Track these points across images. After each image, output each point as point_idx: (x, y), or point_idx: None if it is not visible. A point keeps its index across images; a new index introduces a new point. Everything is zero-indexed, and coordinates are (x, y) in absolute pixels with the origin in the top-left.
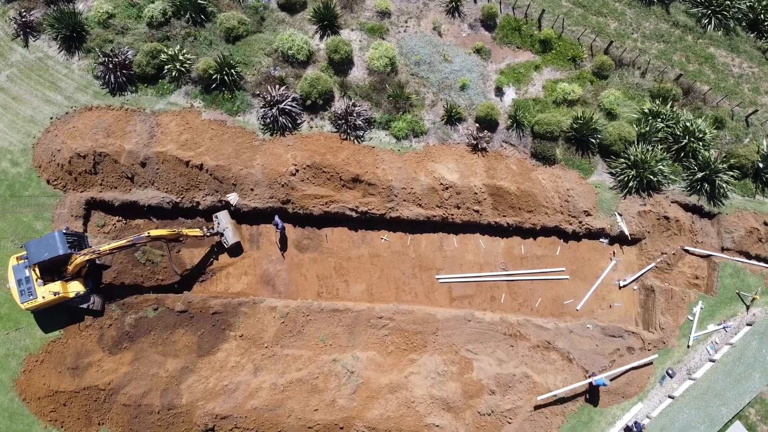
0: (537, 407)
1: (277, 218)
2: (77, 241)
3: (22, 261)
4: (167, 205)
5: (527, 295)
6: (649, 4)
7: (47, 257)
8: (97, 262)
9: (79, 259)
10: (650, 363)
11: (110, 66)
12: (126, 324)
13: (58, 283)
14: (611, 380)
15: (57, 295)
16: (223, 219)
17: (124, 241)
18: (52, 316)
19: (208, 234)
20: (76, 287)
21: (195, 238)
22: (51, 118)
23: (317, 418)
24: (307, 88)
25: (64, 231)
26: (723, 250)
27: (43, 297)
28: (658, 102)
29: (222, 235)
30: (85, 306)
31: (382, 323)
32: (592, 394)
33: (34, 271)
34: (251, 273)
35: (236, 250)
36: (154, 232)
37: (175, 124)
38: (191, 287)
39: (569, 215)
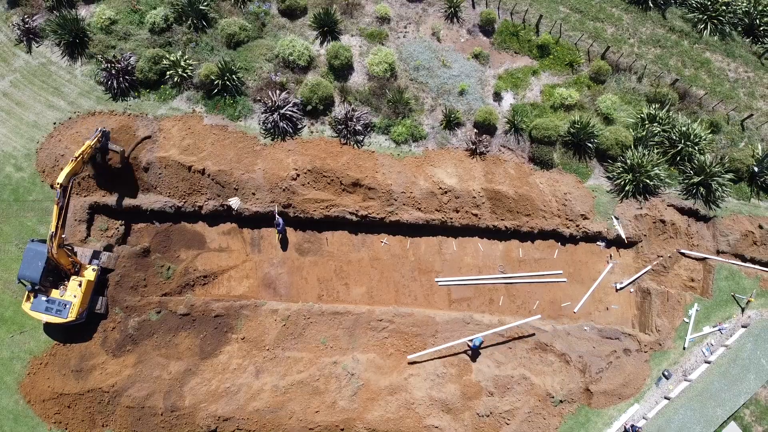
0: (411, 363)
1: (278, 218)
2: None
3: (31, 300)
4: (170, 209)
5: (525, 298)
6: (646, 9)
7: (42, 265)
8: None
9: (54, 249)
10: (533, 334)
11: (113, 72)
12: (129, 327)
13: (72, 278)
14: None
15: (82, 286)
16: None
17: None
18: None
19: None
20: (89, 274)
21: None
22: (54, 124)
23: (318, 419)
24: (308, 94)
25: (32, 240)
26: (718, 253)
27: (75, 296)
28: (654, 106)
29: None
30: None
31: (382, 326)
32: (474, 355)
33: (42, 288)
34: (253, 276)
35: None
36: (62, 176)
37: (177, 129)
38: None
39: (567, 219)
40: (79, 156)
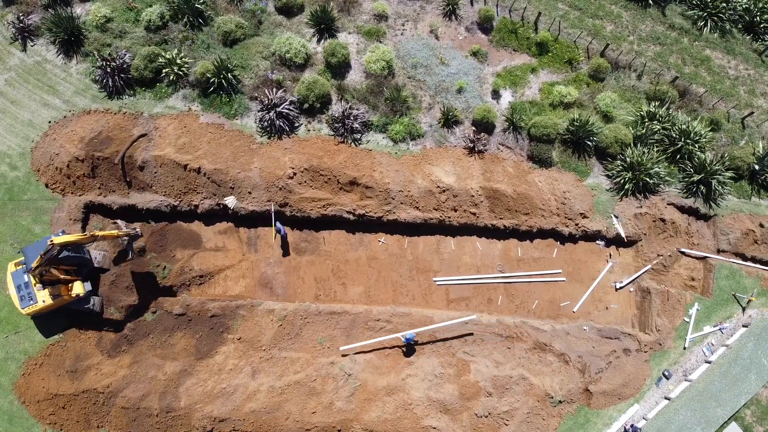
0: (344, 355)
1: (278, 224)
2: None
3: (21, 267)
4: (165, 208)
5: (524, 297)
6: (646, 6)
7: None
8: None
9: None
10: (470, 334)
11: (108, 70)
12: (125, 327)
13: (59, 286)
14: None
15: (50, 301)
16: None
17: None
18: (52, 320)
19: (126, 235)
20: (78, 288)
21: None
22: (49, 122)
23: (315, 420)
24: (305, 92)
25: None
26: (719, 251)
27: (44, 301)
28: (654, 104)
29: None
30: (84, 308)
31: (379, 325)
32: (408, 351)
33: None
34: (249, 276)
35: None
36: (59, 240)
37: (173, 128)
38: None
39: (566, 217)
40: (96, 235)
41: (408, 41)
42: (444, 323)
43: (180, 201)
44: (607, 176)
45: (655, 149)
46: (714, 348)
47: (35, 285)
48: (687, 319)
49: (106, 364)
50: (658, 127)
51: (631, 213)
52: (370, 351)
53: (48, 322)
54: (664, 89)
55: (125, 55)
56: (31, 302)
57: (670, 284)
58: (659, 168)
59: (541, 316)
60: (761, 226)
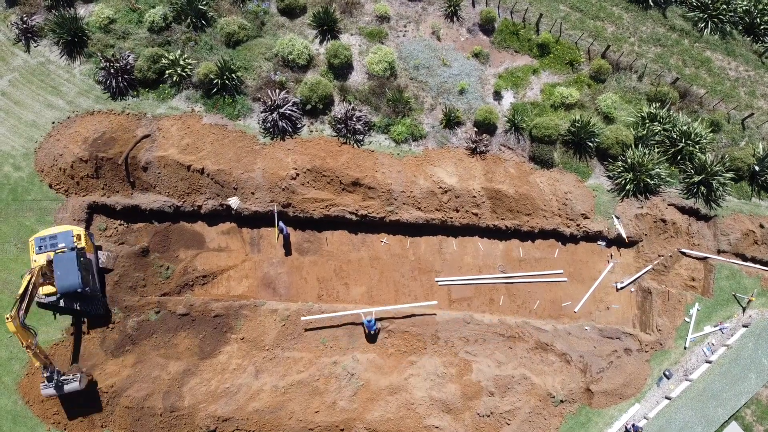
0: (306, 330)
1: (281, 224)
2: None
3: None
4: (168, 209)
5: (526, 298)
6: (646, 8)
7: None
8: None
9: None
10: (433, 314)
11: (111, 71)
12: (128, 327)
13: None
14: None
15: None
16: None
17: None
18: (56, 320)
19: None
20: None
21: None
22: (53, 123)
23: (318, 420)
24: (307, 93)
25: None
26: (719, 252)
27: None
28: (655, 105)
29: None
30: (89, 309)
31: (381, 325)
32: (371, 337)
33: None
34: (252, 276)
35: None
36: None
37: (176, 129)
38: None
39: (567, 218)
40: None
41: (410, 43)
42: (405, 305)
43: (183, 201)
44: (608, 177)
45: (656, 150)
46: (714, 348)
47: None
48: (687, 319)
49: (110, 363)
50: (659, 128)
51: (632, 214)
52: (374, 348)
53: (52, 322)
54: (665, 90)
55: (128, 56)
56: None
57: (670, 284)
58: (660, 169)
59: (542, 316)
60: (761, 226)
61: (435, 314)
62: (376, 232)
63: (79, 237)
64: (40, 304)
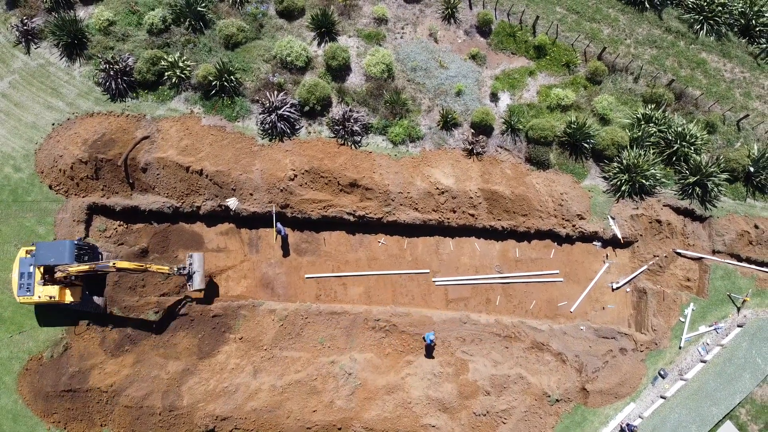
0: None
1: (279, 225)
2: (88, 253)
3: (30, 256)
4: (168, 209)
5: (522, 298)
6: (642, 10)
7: (52, 263)
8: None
9: (58, 273)
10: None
11: (111, 73)
12: (127, 327)
13: (57, 288)
14: None
15: (52, 299)
16: (196, 261)
17: (87, 266)
18: (55, 319)
19: (176, 273)
20: (71, 296)
21: (161, 275)
22: (53, 124)
23: (316, 419)
24: (306, 94)
25: (76, 242)
26: (714, 252)
27: (39, 297)
28: (650, 107)
29: (190, 278)
30: (88, 309)
31: (379, 325)
32: (429, 350)
33: (39, 270)
34: (250, 276)
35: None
36: (120, 264)
37: (175, 130)
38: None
39: (563, 219)
40: (147, 268)
41: (407, 44)
42: (398, 271)
43: (182, 202)
44: (604, 178)
45: (652, 151)
46: (709, 347)
47: (38, 280)
48: (682, 319)
49: (110, 363)
50: (655, 129)
51: (627, 214)
52: (372, 348)
53: (52, 322)
54: (661, 92)
55: (128, 58)
56: (28, 293)
57: (666, 285)
58: (655, 170)
59: (538, 316)
60: (756, 227)
61: (432, 315)
62: (373, 232)
63: None
64: (41, 305)
